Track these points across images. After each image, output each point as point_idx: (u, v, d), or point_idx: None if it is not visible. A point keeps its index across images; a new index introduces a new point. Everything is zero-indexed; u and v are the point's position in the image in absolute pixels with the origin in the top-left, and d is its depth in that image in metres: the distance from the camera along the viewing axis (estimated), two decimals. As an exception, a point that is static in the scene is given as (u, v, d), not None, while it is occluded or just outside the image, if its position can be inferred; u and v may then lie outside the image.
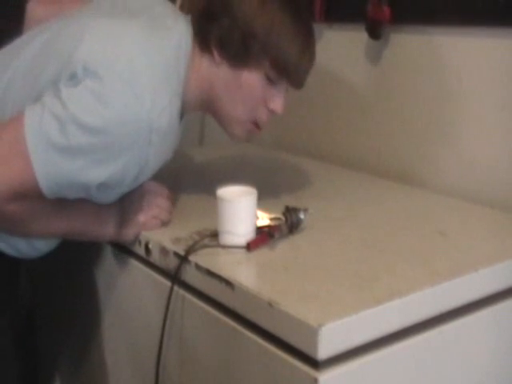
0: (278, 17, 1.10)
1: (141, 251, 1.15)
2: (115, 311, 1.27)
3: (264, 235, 1.07)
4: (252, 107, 1.16)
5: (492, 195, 1.34)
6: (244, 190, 1.08)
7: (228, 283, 0.96)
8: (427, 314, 0.95)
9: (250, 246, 1.04)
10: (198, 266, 1.01)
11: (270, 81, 1.14)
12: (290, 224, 1.11)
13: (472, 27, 1.34)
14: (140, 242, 1.15)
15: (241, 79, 1.13)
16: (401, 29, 1.47)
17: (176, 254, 1.06)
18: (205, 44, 1.13)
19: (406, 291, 0.92)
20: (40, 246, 1.19)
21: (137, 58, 1.05)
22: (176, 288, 1.05)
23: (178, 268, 1.04)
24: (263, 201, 1.10)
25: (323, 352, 0.83)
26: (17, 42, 1.20)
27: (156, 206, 1.16)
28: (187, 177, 1.51)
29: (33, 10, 1.30)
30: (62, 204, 1.10)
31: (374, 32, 1.49)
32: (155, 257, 1.11)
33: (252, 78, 1.13)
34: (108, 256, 1.25)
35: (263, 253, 1.05)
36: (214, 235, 1.08)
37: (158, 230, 1.15)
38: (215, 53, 1.13)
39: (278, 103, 1.17)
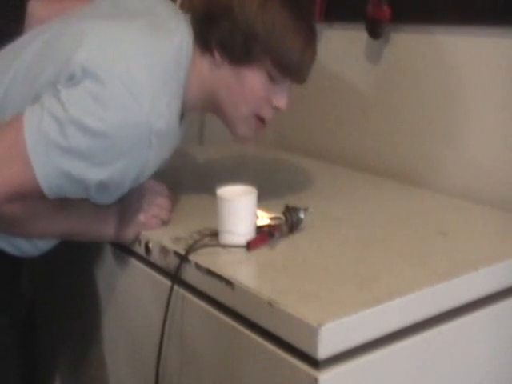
0: (279, 16, 1.10)
1: (141, 251, 1.15)
2: (115, 311, 1.27)
3: (264, 235, 1.07)
4: (255, 106, 1.15)
5: (492, 195, 1.34)
6: (244, 190, 1.08)
7: (228, 283, 0.96)
8: (427, 314, 0.95)
9: (250, 246, 1.04)
10: (198, 266, 1.01)
11: (273, 79, 1.14)
12: (290, 223, 1.11)
13: (472, 26, 1.34)
14: (140, 242, 1.15)
15: (243, 79, 1.13)
16: (401, 28, 1.47)
17: (176, 254, 1.06)
18: (206, 46, 1.13)
19: (406, 291, 0.92)
20: (41, 245, 1.19)
21: (136, 60, 1.04)
22: (176, 287, 1.05)
23: (178, 267, 1.04)
24: (263, 200, 1.10)
25: (323, 351, 0.83)
26: (18, 42, 1.19)
27: (156, 205, 1.16)
28: (187, 176, 1.51)
29: (34, 8, 1.30)
30: (62, 205, 1.10)
31: (374, 31, 1.49)
32: (155, 256, 1.11)
33: (254, 78, 1.13)
34: (108, 256, 1.25)
35: (263, 252, 1.05)
36: (214, 234, 1.08)
37: (158, 229, 1.15)
38: (216, 54, 1.12)
39: (281, 100, 1.17)
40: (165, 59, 1.08)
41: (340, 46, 1.63)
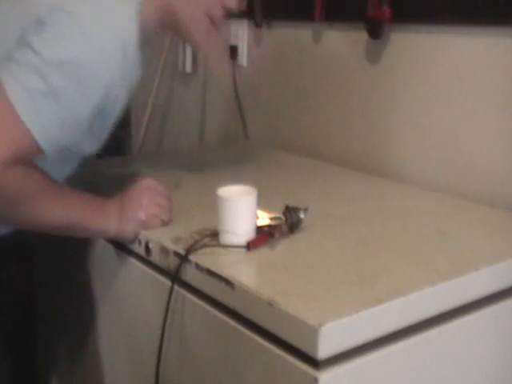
0: None
1: (141, 251, 1.15)
2: (115, 311, 1.27)
3: (264, 235, 1.07)
4: (206, 5, 1.20)
5: (492, 195, 1.34)
6: (244, 190, 1.08)
7: (228, 283, 0.96)
8: (427, 314, 0.95)
9: (250, 246, 1.04)
10: (198, 266, 1.01)
11: None
12: (290, 223, 1.11)
13: (472, 26, 1.34)
14: (140, 242, 1.15)
15: None
16: (401, 28, 1.47)
17: (176, 254, 1.06)
18: None
19: (406, 290, 0.92)
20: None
21: None
22: (176, 287, 1.05)
23: (178, 267, 1.04)
24: (263, 200, 1.10)
25: (323, 351, 0.83)
26: None
27: (157, 204, 1.16)
28: (187, 176, 1.51)
29: None
30: (63, 194, 1.11)
31: (374, 31, 1.49)
32: (155, 256, 1.11)
33: None
34: (108, 255, 1.25)
35: (263, 252, 1.05)
36: (214, 235, 1.08)
37: (158, 229, 1.15)
38: None
39: (231, 0, 1.22)
40: None
41: (340, 46, 1.63)
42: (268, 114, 1.90)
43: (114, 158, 1.65)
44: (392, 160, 1.55)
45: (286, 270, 0.99)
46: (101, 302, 1.30)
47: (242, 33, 1.93)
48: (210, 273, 0.99)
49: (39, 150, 1.04)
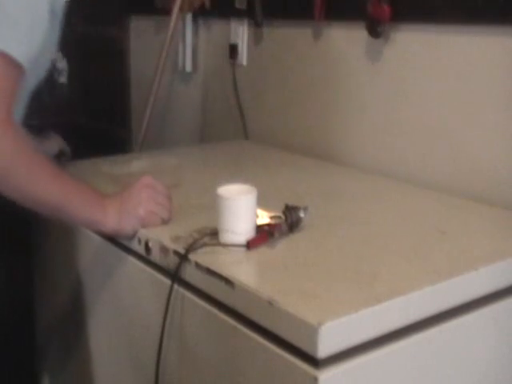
0: None
1: (141, 249, 1.15)
2: (115, 310, 1.27)
3: (264, 234, 1.07)
4: None
5: (492, 194, 1.34)
6: (244, 189, 1.08)
7: (228, 282, 0.96)
8: (427, 313, 0.95)
9: (249, 245, 1.04)
10: (198, 265, 1.01)
11: None
12: (289, 222, 1.11)
13: (472, 26, 1.34)
14: (140, 241, 1.15)
15: None
16: (401, 27, 1.47)
17: (176, 253, 1.06)
18: None
19: (406, 290, 0.92)
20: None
21: None
22: (176, 286, 1.05)
23: (178, 266, 1.04)
24: (263, 199, 1.10)
25: (323, 350, 0.83)
26: None
27: (156, 202, 1.16)
28: (187, 175, 1.51)
29: None
30: (62, 175, 1.12)
31: (374, 30, 1.49)
32: (155, 255, 1.11)
33: None
34: (108, 254, 1.25)
35: (263, 251, 1.05)
36: (214, 233, 1.08)
37: (158, 228, 1.15)
38: None
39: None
40: None
41: (340, 45, 1.63)
42: (268, 114, 1.90)
43: (114, 157, 1.65)
44: (392, 160, 1.55)
45: (285, 269, 0.99)
46: (100, 302, 1.30)
47: (242, 32, 1.93)
48: (209, 272, 0.99)
49: (21, 70, 1.07)
